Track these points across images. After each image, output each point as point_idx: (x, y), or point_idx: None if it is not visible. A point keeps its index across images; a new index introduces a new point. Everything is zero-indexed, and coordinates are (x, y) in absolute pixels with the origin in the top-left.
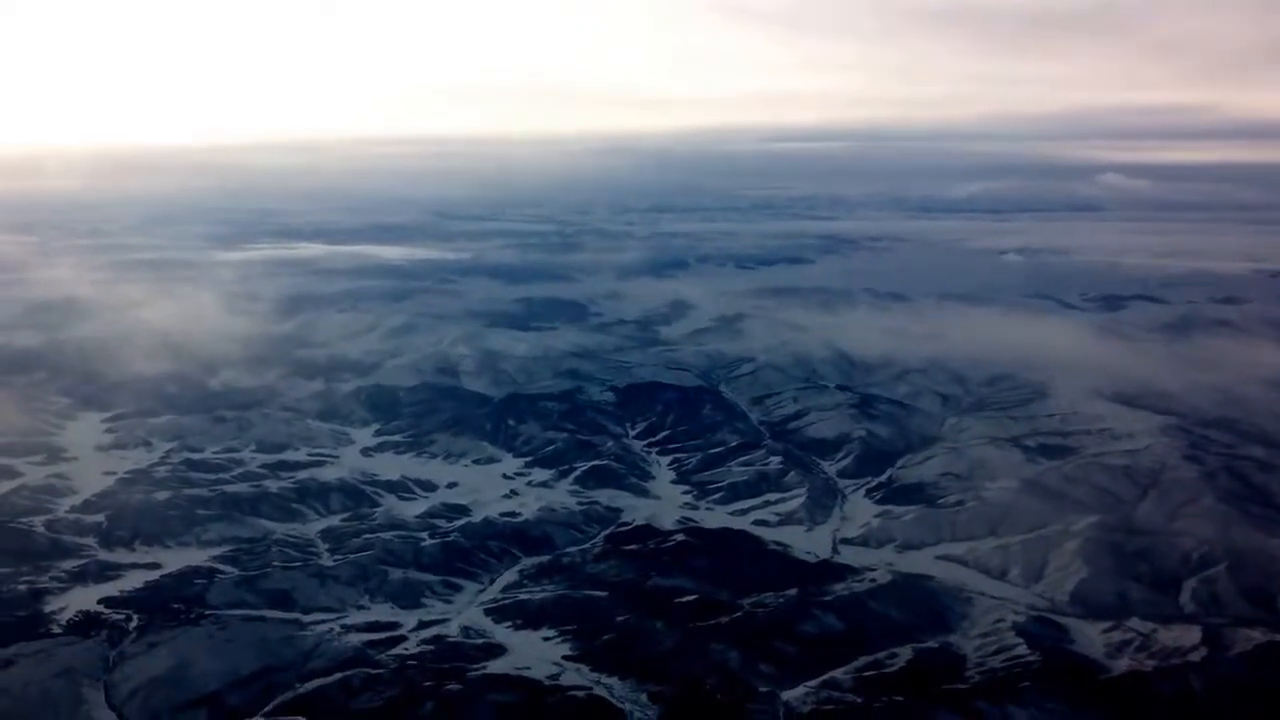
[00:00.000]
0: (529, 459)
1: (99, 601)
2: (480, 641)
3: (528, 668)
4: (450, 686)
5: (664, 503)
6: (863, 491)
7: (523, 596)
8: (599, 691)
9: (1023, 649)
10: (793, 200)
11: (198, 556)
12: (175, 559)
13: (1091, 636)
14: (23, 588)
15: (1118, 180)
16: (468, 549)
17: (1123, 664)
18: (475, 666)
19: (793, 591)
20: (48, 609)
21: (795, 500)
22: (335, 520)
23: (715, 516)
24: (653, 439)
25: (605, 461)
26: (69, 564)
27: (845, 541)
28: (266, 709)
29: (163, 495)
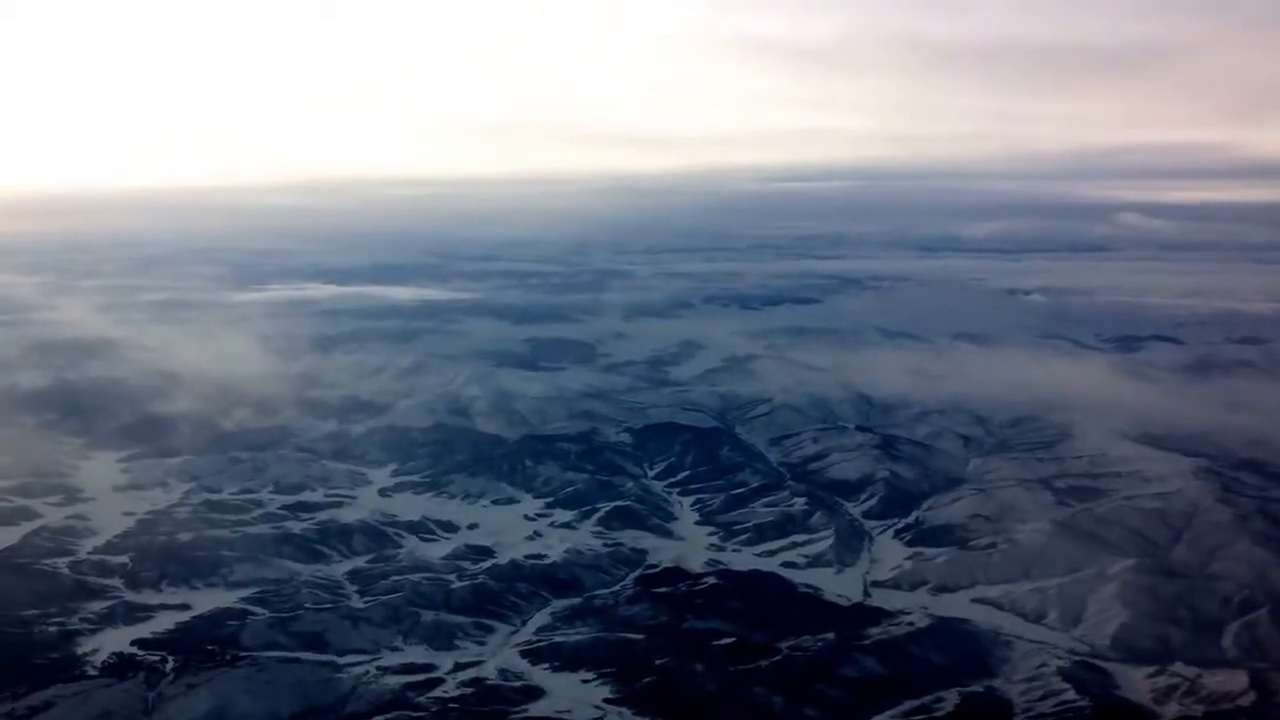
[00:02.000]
0: (549, 500)
1: (132, 643)
2: (519, 684)
3: (569, 711)
4: None
5: (689, 544)
6: (890, 533)
7: (557, 638)
8: None
9: (1071, 694)
10: (797, 240)
11: (226, 598)
12: (204, 600)
13: (1136, 681)
14: (53, 629)
15: (1135, 219)
16: (497, 591)
17: (1171, 709)
18: (517, 709)
19: (830, 635)
20: (80, 650)
21: (823, 542)
22: (360, 561)
23: (743, 558)
24: (672, 480)
25: (627, 502)
26: (97, 605)
27: (877, 584)
28: None
29: (186, 536)
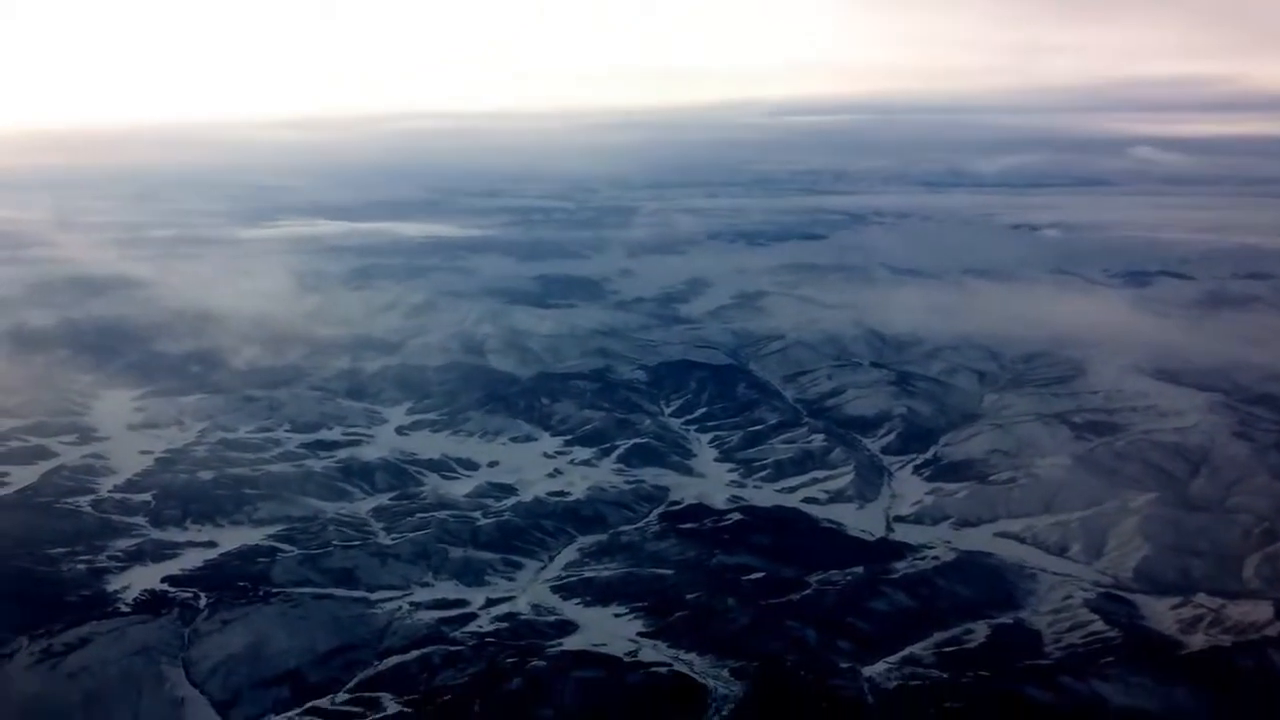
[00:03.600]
0: (567, 438)
1: (162, 580)
2: (552, 619)
3: (604, 644)
4: (534, 663)
5: (710, 481)
6: (910, 469)
7: (587, 574)
8: (680, 667)
9: (1099, 625)
10: (802, 174)
11: (253, 535)
12: (230, 538)
13: (1161, 612)
14: (81, 567)
15: (1148, 153)
16: (523, 527)
17: (1198, 639)
18: (552, 643)
19: (858, 569)
20: (110, 588)
21: (843, 478)
22: (384, 499)
23: (765, 495)
24: (690, 417)
25: (645, 440)
26: (123, 543)
27: (899, 519)
28: (349, 685)
29: (207, 474)
